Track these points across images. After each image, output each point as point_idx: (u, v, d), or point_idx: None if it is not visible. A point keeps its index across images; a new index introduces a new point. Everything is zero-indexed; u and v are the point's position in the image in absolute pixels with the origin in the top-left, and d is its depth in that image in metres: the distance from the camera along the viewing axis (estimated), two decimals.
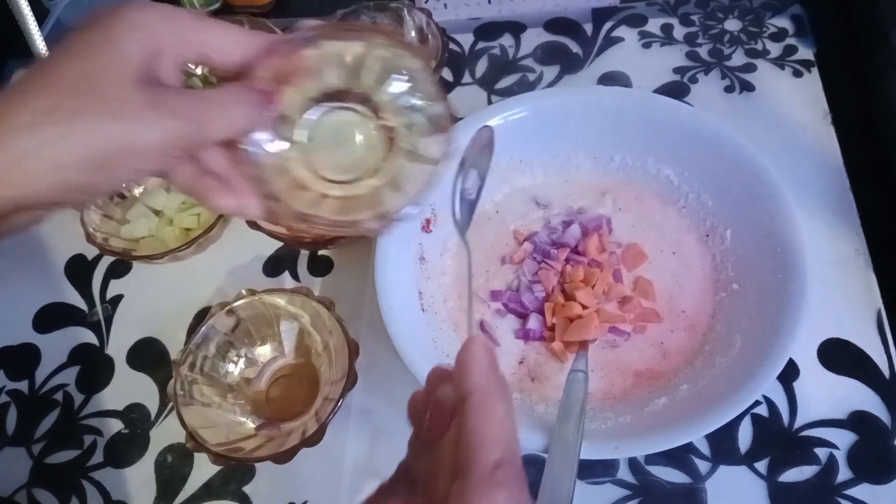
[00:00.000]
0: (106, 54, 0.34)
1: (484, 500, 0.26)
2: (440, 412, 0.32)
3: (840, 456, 0.54)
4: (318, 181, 0.43)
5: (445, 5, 0.81)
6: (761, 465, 0.54)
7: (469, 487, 0.27)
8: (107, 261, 0.71)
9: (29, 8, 0.58)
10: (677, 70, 0.75)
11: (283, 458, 0.53)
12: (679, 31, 0.78)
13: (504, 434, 0.28)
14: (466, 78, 0.79)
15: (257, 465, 0.59)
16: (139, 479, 0.60)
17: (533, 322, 0.59)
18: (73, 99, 0.33)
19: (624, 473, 0.55)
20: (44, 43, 0.62)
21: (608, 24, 0.80)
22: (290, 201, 0.43)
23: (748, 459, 0.54)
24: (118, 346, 0.66)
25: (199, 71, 0.75)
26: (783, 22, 0.77)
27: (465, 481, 0.27)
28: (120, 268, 0.71)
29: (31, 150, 0.32)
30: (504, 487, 0.27)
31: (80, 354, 0.66)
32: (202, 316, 0.65)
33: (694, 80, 0.74)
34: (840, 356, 0.58)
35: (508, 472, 0.27)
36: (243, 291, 0.60)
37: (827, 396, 0.56)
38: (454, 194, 0.48)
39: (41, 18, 0.78)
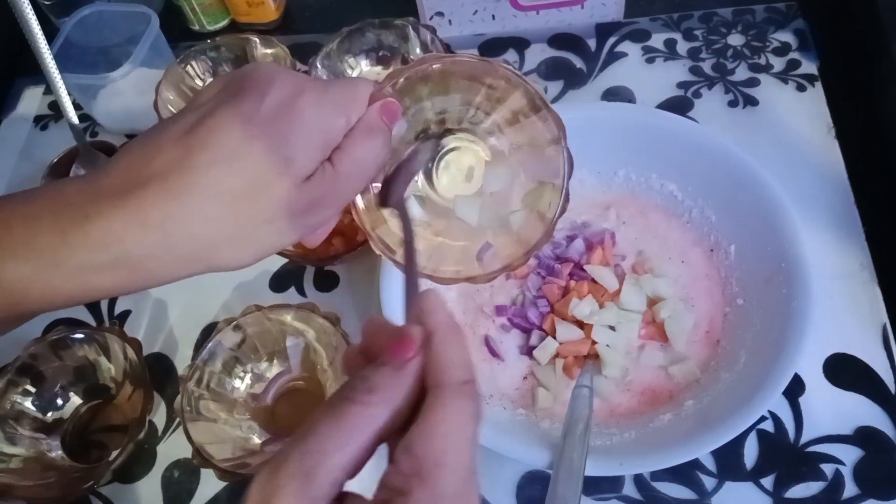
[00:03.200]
0: (272, 157, 0.35)
1: (460, 407, 0.29)
2: (406, 339, 0.32)
3: (846, 472, 0.54)
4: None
5: (450, 22, 0.82)
6: (767, 482, 0.54)
7: (446, 397, 0.30)
8: None
9: (39, 26, 0.58)
10: (681, 85, 0.75)
11: None
12: (682, 46, 0.78)
13: (467, 360, 0.32)
14: None
15: None
16: (146, 495, 0.60)
17: (535, 339, 0.60)
18: (235, 212, 0.35)
19: (629, 490, 0.55)
20: (53, 61, 0.63)
21: (611, 40, 0.80)
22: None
23: (754, 475, 0.54)
24: None
25: None
26: (786, 36, 0.77)
27: (442, 392, 0.30)
28: None
29: (194, 255, 0.35)
30: (473, 399, 0.30)
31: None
32: (209, 331, 0.65)
33: (697, 94, 0.74)
34: (846, 371, 0.58)
35: (474, 387, 0.31)
36: (250, 307, 0.61)
37: (833, 412, 0.56)
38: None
39: (50, 37, 0.80)
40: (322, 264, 0.68)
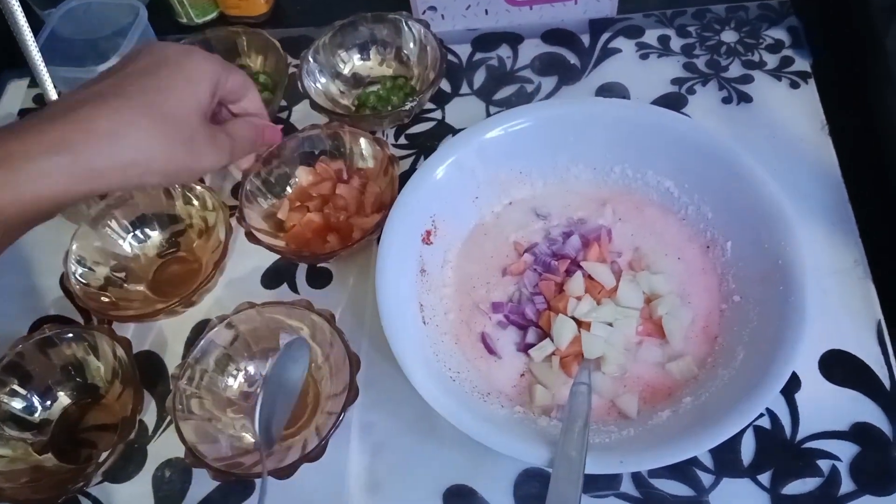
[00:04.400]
0: (186, 92, 0.46)
1: None
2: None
3: (842, 468, 0.54)
4: None
5: (443, 16, 0.81)
6: (764, 478, 0.54)
7: None
8: None
9: (24, 18, 0.57)
10: (675, 81, 0.75)
11: (283, 473, 0.53)
12: (676, 43, 0.78)
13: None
14: (464, 89, 0.79)
15: (257, 480, 0.58)
16: (136, 495, 0.59)
17: (532, 336, 0.59)
18: (166, 128, 0.44)
19: (627, 487, 0.55)
20: (39, 54, 0.61)
21: (605, 36, 0.80)
22: None
23: (751, 472, 0.54)
24: None
25: None
26: (779, 33, 0.77)
27: None
28: None
29: (136, 161, 0.43)
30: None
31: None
32: (200, 329, 0.65)
33: (692, 91, 0.74)
34: (841, 367, 0.58)
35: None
36: (242, 304, 0.60)
37: (829, 408, 0.56)
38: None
39: (36, 30, 0.78)
40: (316, 261, 0.68)
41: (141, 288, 0.68)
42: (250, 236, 0.64)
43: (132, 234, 0.69)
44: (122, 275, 0.68)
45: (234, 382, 0.61)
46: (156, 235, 0.70)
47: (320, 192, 0.69)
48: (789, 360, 0.50)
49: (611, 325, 0.58)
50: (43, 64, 0.62)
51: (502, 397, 0.57)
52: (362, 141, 0.70)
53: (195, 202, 0.69)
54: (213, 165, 0.48)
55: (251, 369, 0.62)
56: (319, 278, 0.68)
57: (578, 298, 0.59)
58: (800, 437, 0.55)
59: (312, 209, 0.68)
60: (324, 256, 0.64)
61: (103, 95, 0.43)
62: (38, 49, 0.62)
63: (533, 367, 0.58)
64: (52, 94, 0.63)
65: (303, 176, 0.71)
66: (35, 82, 0.62)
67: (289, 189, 0.71)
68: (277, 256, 0.68)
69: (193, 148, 0.45)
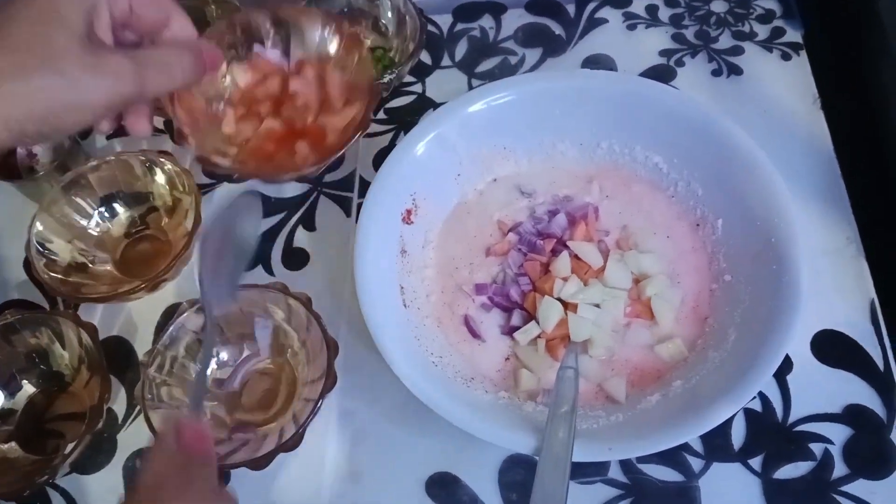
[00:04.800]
0: (50, 16, 0.37)
1: None
2: None
3: (835, 451, 0.52)
4: None
5: None
6: (755, 462, 0.53)
7: None
8: None
9: None
10: (663, 53, 0.73)
11: (259, 463, 0.51)
12: (664, 13, 0.76)
13: None
14: (446, 61, 0.76)
15: (233, 470, 0.56)
16: (106, 486, 0.58)
17: (517, 318, 0.57)
18: (25, 60, 0.36)
19: (615, 472, 0.53)
20: None
21: (591, 5, 0.77)
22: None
23: (742, 456, 0.53)
24: None
25: None
26: (770, 3, 0.75)
27: None
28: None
29: None
30: None
31: None
32: (171, 313, 0.62)
33: (680, 63, 0.72)
34: (833, 348, 0.56)
35: None
36: None
37: (821, 390, 0.55)
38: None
39: None
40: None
41: (108, 268, 0.65)
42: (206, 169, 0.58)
43: (97, 210, 0.66)
44: (89, 255, 0.65)
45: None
46: (123, 213, 0.67)
47: (268, 92, 0.55)
48: (783, 343, 0.48)
49: (598, 306, 0.56)
50: None
51: (486, 382, 0.55)
52: (306, 20, 0.55)
53: (162, 179, 0.66)
54: (105, 97, 0.39)
55: (224, 355, 0.59)
56: (296, 259, 0.66)
57: (565, 279, 0.57)
58: (791, 420, 0.54)
59: (266, 115, 0.55)
60: (301, 168, 0.54)
61: None
62: None
63: (518, 350, 0.56)
64: None
65: (239, 75, 0.55)
66: None
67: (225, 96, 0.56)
68: None
69: (67, 78, 0.37)
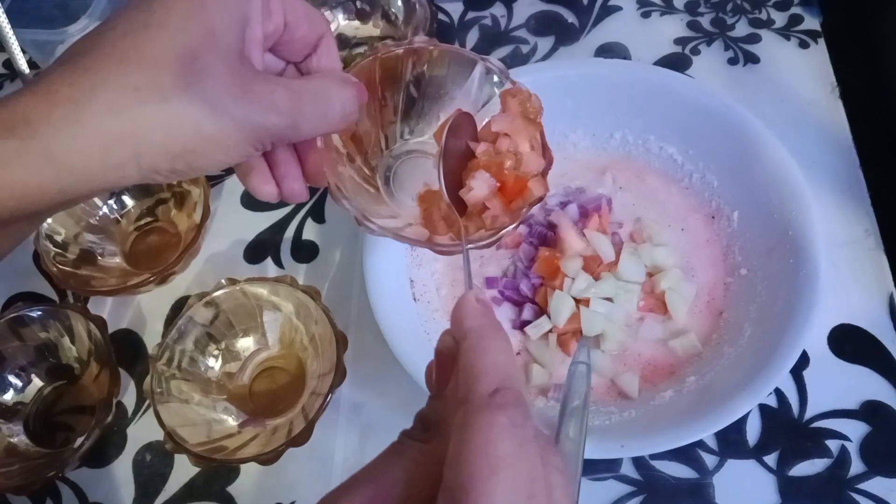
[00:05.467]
0: (197, 27, 0.30)
1: (484, 423, 0.26)
2: (442, 362, 0.32)
3: (852, 448, 0.52)
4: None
5: None
6: (770, 459, 0.52)
7: (469, 413, 0.26)
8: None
9: None
10: (678, 41, 0.71)
11: (268, 458, 0.50)
12: (679, 0, 0.74)
13: (500, 365, 0.28)
14: None
15: (242, 465, 0.56)
16: (117, 480, 0.57)
17: (528, 312, 0.56)
18: (163, 79, 0.29)
19: (628, 469, 0.52)
20: (5, 16, 0.57)
21: None
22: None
23: (757, 453, 0.52)
24: None
25: None
26: None
27: (466, 409, 0.27)
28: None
29: (120, 135, 0.29)
30: (503, 410, 0.26)
31: None
32: (180, 306, 0.61)
33: (696, 51, 0.71)
34: (851, 343, 0.55)
35: (507, 395, 0.27)
36: (223, 281, 0.57)
37: (838, 385, 0.54)
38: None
39: None
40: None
41: (117, 261, 0.65)
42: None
43: (107, 203, 0.66)
44: (98, 247, 0.64)
45: (216, 363, 0.58)
46: (132, 205, 0.67)
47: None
48: (800, 339, 0.47)
49: (611, 300, 0.55)
50: (9, 26, 0.58)
51: None
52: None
53: None
54: (256, 133, 0.32)
55: (233, 349, 0.59)
56: (305, 252, 0.65)
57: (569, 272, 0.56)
58: (808, 416, 0.53)
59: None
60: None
61: (77, 53, 0.30)
62: (3, 10, 0.58)
63: (529, 345, 0.56)
64: (21, 59, 0.59)
65: None
66: (2, 47, 0.58)
67: None
68: (260, 230, 0.65)
69: (212, 104, 0.30)
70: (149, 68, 0.29)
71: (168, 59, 0.29)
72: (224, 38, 0.31)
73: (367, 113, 0.44)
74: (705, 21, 0.72)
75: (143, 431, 0.59)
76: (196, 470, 0.56)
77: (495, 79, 0.45)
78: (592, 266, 0.56)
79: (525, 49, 0.74)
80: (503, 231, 0.42)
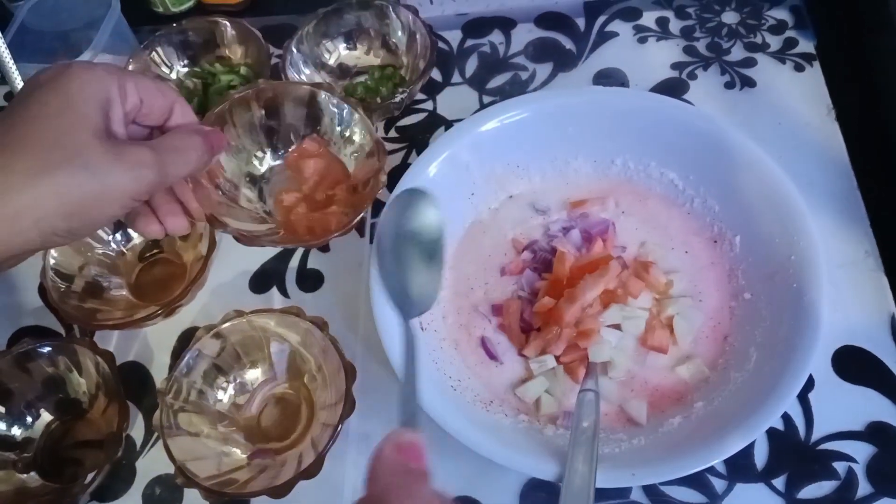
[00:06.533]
0: (69, 114, 0.38)
1: None
2: None
3: (859, 470, 0.52)
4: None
5: (431, 1, 0.78)
6: (779, 482, 0.52)
7: None
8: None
9: None
10: (675, 66, 0.72)
11: (279, 492, 0.50)
12: (675, 25, 0.75)
13: None
14: (456, 77, 0.76)
15: (252, 499, 0.56)
16: None
17: (531, 350, 0.56)
18: (49, 157, 0.37)
19: (637, 495, 0.53)
20: (7, 49, 0.58)
21: (601, 19, 0.77)
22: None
23: (765, 476, 0.52)
24: None
25: None
26: (782, 14, 0.74)
27: None
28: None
29: (22, 208, 0.36)
30: None
31: None
32: (187, 338, 0.62)
33: (693, 76, 0.71)
34: (854, 364, 0.56)
35: None
36: (230, 313, 0.57)
37: (843, 407, 0.54)
38: None
39: (4, 22, 0.74)
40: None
41: (123, 293, 0.65)
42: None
43: (112, 236, 0.66)
44: (104, 280, 0.64)
45: (224, 395, 0.58)
46: (137, 236, 0.67)
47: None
48: (805, 364, 0.48)
49: (619, 327, 0.55)
50: (11, 59, 0.59)
51: (506, 405, 0.55)
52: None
53: None
54: (132, 186, 0.40)
55: (241, 380, 0.59)
56: (310, 281, 0.66)
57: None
58: (814, 438, 0.53)
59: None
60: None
61: None
62: (5, 44, 0.58)
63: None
64: None
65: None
66: (4, 79, 0.59)
67: None
68: (265, 259, 0.66)
69: (92, 170, 0.38)
70: (35, 152, 0.37)
71: (50, 142, 0.37)
72: (93, 120, 0.39)
73: (230, 148, 0.63)
74: (701, 46, 0.73)
75: (152, 464, 0.59)
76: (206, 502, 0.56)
77: (333, 100, 0.64)
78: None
79: (524, 76, 0.74)
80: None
